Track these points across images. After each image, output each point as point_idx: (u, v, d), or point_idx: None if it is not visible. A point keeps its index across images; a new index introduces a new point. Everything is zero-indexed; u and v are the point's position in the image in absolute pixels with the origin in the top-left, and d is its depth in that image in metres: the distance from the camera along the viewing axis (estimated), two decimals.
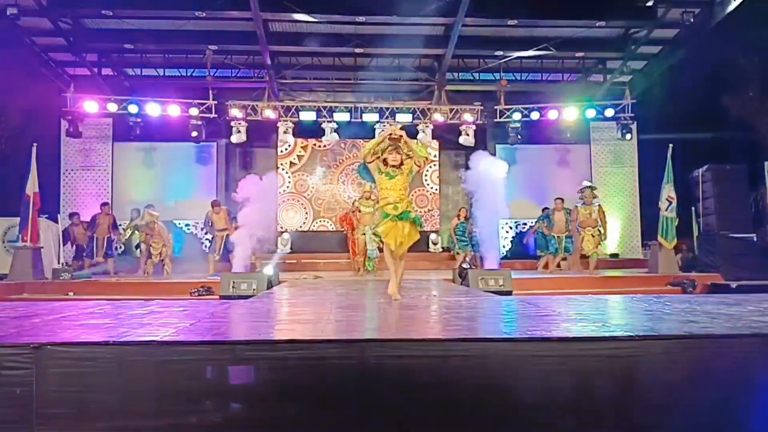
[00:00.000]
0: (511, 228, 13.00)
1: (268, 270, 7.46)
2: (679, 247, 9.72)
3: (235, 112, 11.92)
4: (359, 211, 9.67)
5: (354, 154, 13.35)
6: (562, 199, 10.24)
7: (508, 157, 11.48)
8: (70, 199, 12.46)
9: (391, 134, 4.69)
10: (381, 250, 9.14)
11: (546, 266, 10.30)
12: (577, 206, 9.72)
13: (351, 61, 12.36)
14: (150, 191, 12.08)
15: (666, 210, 9.34)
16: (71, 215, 10.81)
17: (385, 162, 4.65)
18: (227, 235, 10.29)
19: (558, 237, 10.04)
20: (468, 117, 12.18)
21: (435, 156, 13.36)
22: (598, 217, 9.57)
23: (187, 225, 12.41)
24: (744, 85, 10.20)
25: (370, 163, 4.72)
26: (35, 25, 10.53)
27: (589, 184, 9.96)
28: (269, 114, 12.11)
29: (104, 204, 10.79)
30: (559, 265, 10.26)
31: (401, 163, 4.65)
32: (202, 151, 12.83)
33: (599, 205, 9.71)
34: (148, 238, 9.94)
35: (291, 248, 12.64)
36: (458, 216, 10.81)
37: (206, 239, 11.22)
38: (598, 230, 9.49)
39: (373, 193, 10.22)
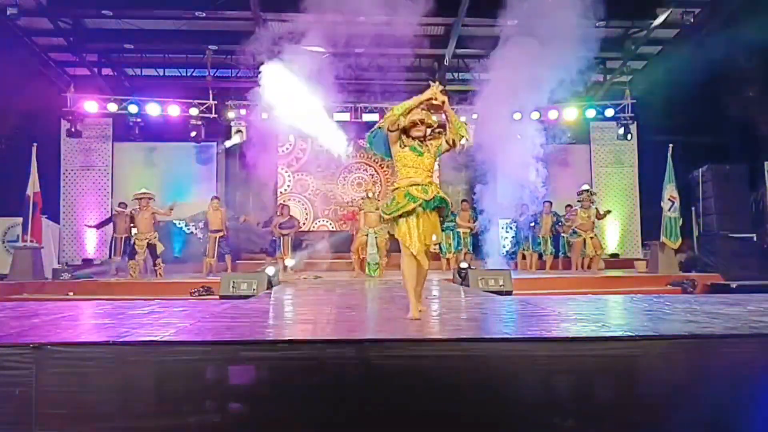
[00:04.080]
0: (511, 228, 12.99)
1: (269, 270, 7.45)
2: (680, 247, 9.78)
3: (235, 112, 11.91)
4: (361, 210, 9.51)
5: (354, 155, 13.35)
6: (551, 203, 10.76)
7: None
8: (70, 199, 12.46)
9: (430, 98, 3.48)
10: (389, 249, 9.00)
11: (524, 258, 10.97)
12: (576, 208, 9.92)
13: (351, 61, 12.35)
14: (150, 191, 12.10)
15: (669, 210, 9.40)
16: (120, 204, 10.70)
17: (407, 134, 3.53)
18: (221, 237, 10.26)
19: (543, 237, 10.63)
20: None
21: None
22: (596, 217, 10.03)
23: (186, 225, 12.41)
24: (744, 85, 10.20)
25: (392, 131, 3.50)
26: (35, 25, 10.53)
27: (588, 188, 10.19)
28: (269, 114, 12.10)
29: (121, 203, 10.71)
30: (541, 264, 10.74)
31: (425, 138, 3.55)
32: (202, 151, 12.84)
33: (596, 207, 10.03)
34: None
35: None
36: None
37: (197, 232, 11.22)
38: (596, 233, 10.01)
39: (378, 192, 10.18)
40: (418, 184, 3.43)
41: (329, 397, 2.29)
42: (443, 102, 3.50)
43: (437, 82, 3.55)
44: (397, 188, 3.51)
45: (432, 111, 3.57)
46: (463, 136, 3.56)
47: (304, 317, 3.81)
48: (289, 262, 7.08)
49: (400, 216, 3.45)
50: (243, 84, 12.58)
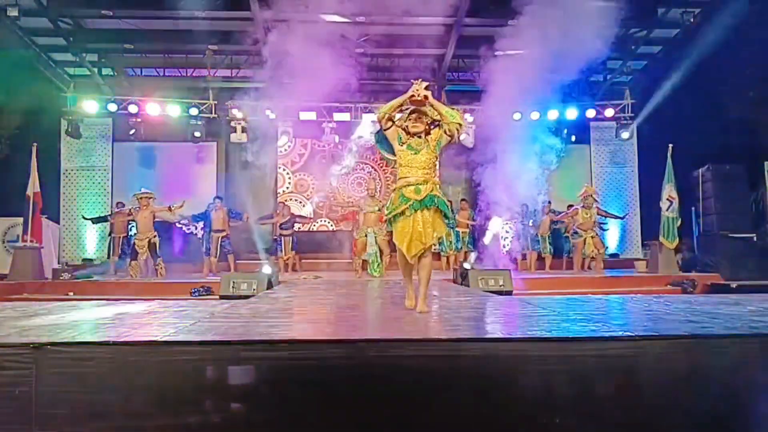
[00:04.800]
0: (511, 228, 12.98)
1: (268, 270, 7.45)
2: (679, 247, 9.79)
3: (235, 112, 11.92)
4: (361, 210, 9.50)
5: (354, 155, 13.34)
6: (550, 202, 11.02)
7: None
8: (70, 199, 12.47)
9: (413, 96, 3.54)
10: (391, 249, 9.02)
11: (524, 258, 11.19)
12: (577, 208, 9.93)
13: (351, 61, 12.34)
14: (150, 191, 12.10)
15: (667, 210, 9.41)
16: (118, 203, 10.77)
17: (406, 131, 3.59)
18: (224, 237, 10.28)
19: (542, 236, 10.93)
20: (468, 117, 12.16)
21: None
22: (599, 214, 10.16)
23: (186, 225, 12.40)
24: (744, 85, 10.19)
25: (387, 129, 3.63)
26: (35, 25, 10.53)
27: (592, 190, 10.21)
28: (269, 114, 12.11)
29: (119, 203, 10.72)
30: (541, 263, 10.99)
31: (427, 133, 3.58)
32: (202, 151, 12.83)
33: (597, 207, 10.08)
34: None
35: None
36: None
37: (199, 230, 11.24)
38: (597, 233, 10.04)
39: (378, 191, 10.17)
40: (411, 185, 3.55)
41: (329, 397, 2.29)
42: (425, 97, 3.52)
43: (419, 80, 3.60)
44: (394, 189, 3.67)
45: (418, 107, 3.58)
46: (460, 124, 3.58)
47: (304, 317, 3.81)
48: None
49: (396, 217, 3.62)
50: (243, 84, 12.60)
